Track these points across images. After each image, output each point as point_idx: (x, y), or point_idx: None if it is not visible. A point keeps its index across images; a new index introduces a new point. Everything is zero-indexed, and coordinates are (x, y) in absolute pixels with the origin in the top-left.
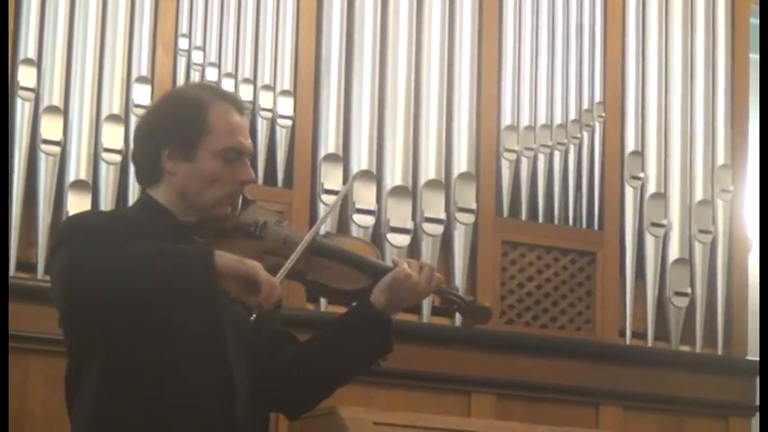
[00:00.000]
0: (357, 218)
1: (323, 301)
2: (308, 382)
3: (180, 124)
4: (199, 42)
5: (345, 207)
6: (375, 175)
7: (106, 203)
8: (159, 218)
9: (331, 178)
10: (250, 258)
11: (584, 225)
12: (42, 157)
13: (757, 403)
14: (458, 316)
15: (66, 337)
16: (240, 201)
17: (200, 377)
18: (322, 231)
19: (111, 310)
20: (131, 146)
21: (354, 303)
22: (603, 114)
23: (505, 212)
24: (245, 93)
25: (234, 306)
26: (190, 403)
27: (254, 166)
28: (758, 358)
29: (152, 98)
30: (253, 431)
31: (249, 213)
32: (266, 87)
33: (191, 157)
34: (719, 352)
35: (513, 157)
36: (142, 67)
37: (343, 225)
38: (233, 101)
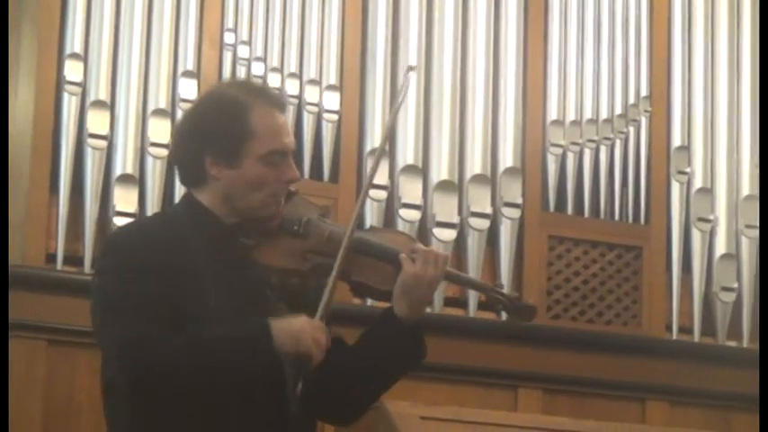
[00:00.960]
0: (403, 213)
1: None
2: (352, 390)
3: (222, 131)
4: (245, 37)
5: (392, 202)
6: (421, 170)
7: (153, 197)
8: (204, 220)
9: (377, 172)
10: (292, 258)
11: (630, 220)
12: (89, 151)
13: None
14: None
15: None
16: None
17: (254, 386)
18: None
19: (159, 396)
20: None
21: (380, 313)
22: (650, 109)
23: (551, 207)
24: (291, 87)
25: (280, 307)
26: (247, 406)
27: (300, 161)
28: None
29: (198, 93)
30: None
31: (292, 208)
32: (312, 82)
33: (235, 164)
34: None
35: (559, 151)
36: (188, 61)
37: (389, 220)
38: (273, 99)
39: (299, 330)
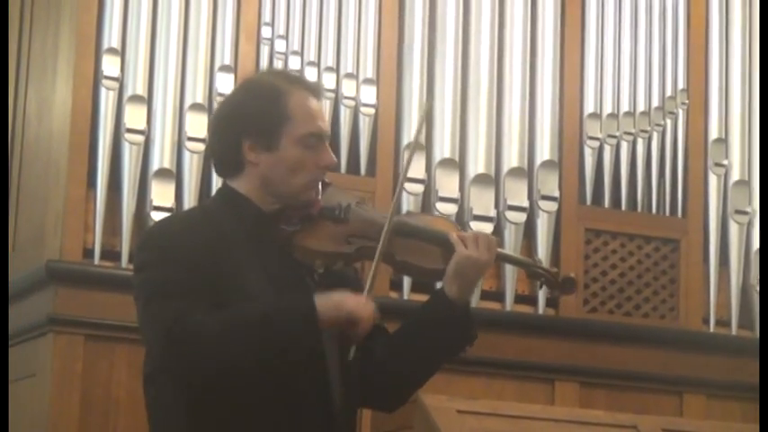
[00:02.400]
0: (440, 206)
1: (405, 288)
2: (398, 375)
3: (260, 115)
4: (282, 31)
5: (429, 195)
6: (458, 163)
7: (190, 192)
8: (242, 209)
9: (414, 166)
10: (336, 242)
11: (667, 212)
12: (126, 145)
13: None
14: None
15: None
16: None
17: (299, 373)
18: (403, 210)
19: (216, 377)
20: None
21: (431, 295)
22: (687, 101)
23: (588, 200)
24: (328, 81)
25: None
26: (291, 397)
27: (337, 155)
28: None
29: (235, 87)
30: (346, 426)
31: (330, 196)
32: (349, 76)
33: (273, 147)
34: None
35: (596, 144)
36: (225, 56)
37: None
38: (309, 86)
39: (339, 298)
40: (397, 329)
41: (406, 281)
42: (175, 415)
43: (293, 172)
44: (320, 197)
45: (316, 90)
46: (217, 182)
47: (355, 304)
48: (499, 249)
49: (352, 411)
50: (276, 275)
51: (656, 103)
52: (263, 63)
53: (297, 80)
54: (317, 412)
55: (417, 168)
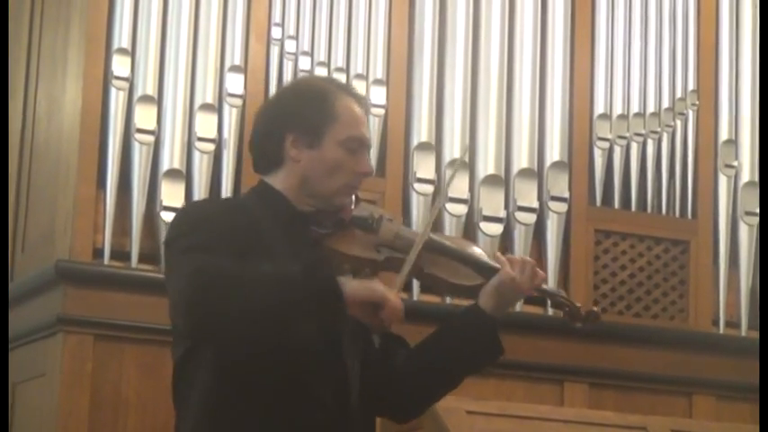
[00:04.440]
0: (450, 207)
1: (415, 290)
2: (419, 386)
3: (307, 111)
4: (292, 32)
5: (438, 196)
6: (467, 165)
7: (200, 192)
8: (276, 205)
9: (424, 167)
10: (366, 249)
11: (677, 214)
12: (136, 146)
13: None
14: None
15: (179, 329)
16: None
17: (318, 375)
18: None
19: (236, 328)
20: (249, 132)
21: (465, 306)
22: (697, 103)
23: (598, 201)
24: None
25: None
26: (308, 398)
27: None
28: None
29: (245, 87)
30: (364, 429)
31: (362, 208)
32: (359, 76)
33: (315, 145)
34: None
35: (605, 145)
36: (235, 56)
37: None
38: (356, 95)
39: (370, 283)
40: (422, 340)
41: (416, 282)
42: (203, 407)
43: (331, 173)
44: (352, 207)
45: (362, 99)
46: (227, 183)
47: (387, 290)
48: (546, 288)
49: (370, 416)
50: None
51: (666, 104)
52: (273, 63)
53: (345, 88)
54: (335, 413)
55: (427, 169)
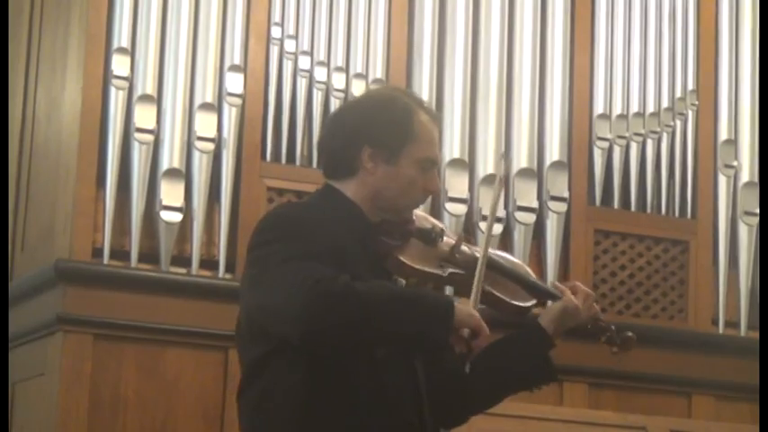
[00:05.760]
0: (449, 206)
1: None
2: (470, 395)
3: (389, 126)
4: (291, 31)
5: (438, 196)
6: (467, 164)
7: (199, 192)
8: (351, 214)
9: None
10: (431, 264)
11: (676, 214)
12: (136, 145)
13: None
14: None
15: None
16: None
17: (395, 384)
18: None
19: (352, 340)
20: (322, 133)
21: (529, 323)
22: (696, 102)
23: (598, 201)
24: (338, 81)
25: None
26: (389, 408)
27: None
28: None
29: (245, 87)
30: None
31: (421, 220)
32: (358, 76)
33: (392, 161)
34: None
35: (605, 145)
36: (235, 55)
37: (435, 214)
38: (433, 114)
39: (469, 309)
40: (485, 350)
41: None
42: (291, 408)
43: (405, 190)
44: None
45: (438, 119)
46: (226, 182)
47: (480, 318)
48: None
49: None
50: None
51: (665, 104)
52: (273, 63)
53: (423, 104)
54: (412, 418)
55: None
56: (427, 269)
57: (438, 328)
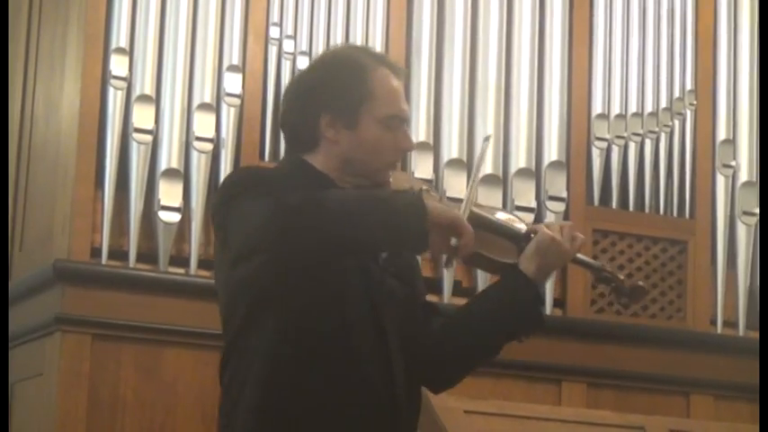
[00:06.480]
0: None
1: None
2: (455, 354)
3: (341, 89)
4: (290, 31)
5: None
6: (466, 164)
7: (197, 192)
8: (321, 184)
9: (422, 166)
10: None
11: (675, 214)
12: (134, 145)
13: None
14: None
15: (246, 288)
16: None
17: (364, 346)
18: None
19: (321, 253)
20: (283, 109)
21: (505, 269)
22: (695, 102)
23: (596, 201)
24: None
25: (390, 282)
26: (356, 370)
27: None
28: None
29: (243, 87)
30: (410, 406)
31: (399, 180)
32: None
33: (352, 125)
34: None
35: (603, 145)
36: (233, 55)
37: None
38: (391, 65)
39: (449, 208)
40: (461, 306)
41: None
42: (250, 371)
43: (373, 153)
44: (390, 179)
45: (398, 70)
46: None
47: (460, 215)
48: (585, 258)
49: (414, 392)
50: None
51: (663, 104)
52: (272, 63)
53: (380, 57)
54: (381, 390)
55: (425, 169)
56: None
57: (415, 219)
